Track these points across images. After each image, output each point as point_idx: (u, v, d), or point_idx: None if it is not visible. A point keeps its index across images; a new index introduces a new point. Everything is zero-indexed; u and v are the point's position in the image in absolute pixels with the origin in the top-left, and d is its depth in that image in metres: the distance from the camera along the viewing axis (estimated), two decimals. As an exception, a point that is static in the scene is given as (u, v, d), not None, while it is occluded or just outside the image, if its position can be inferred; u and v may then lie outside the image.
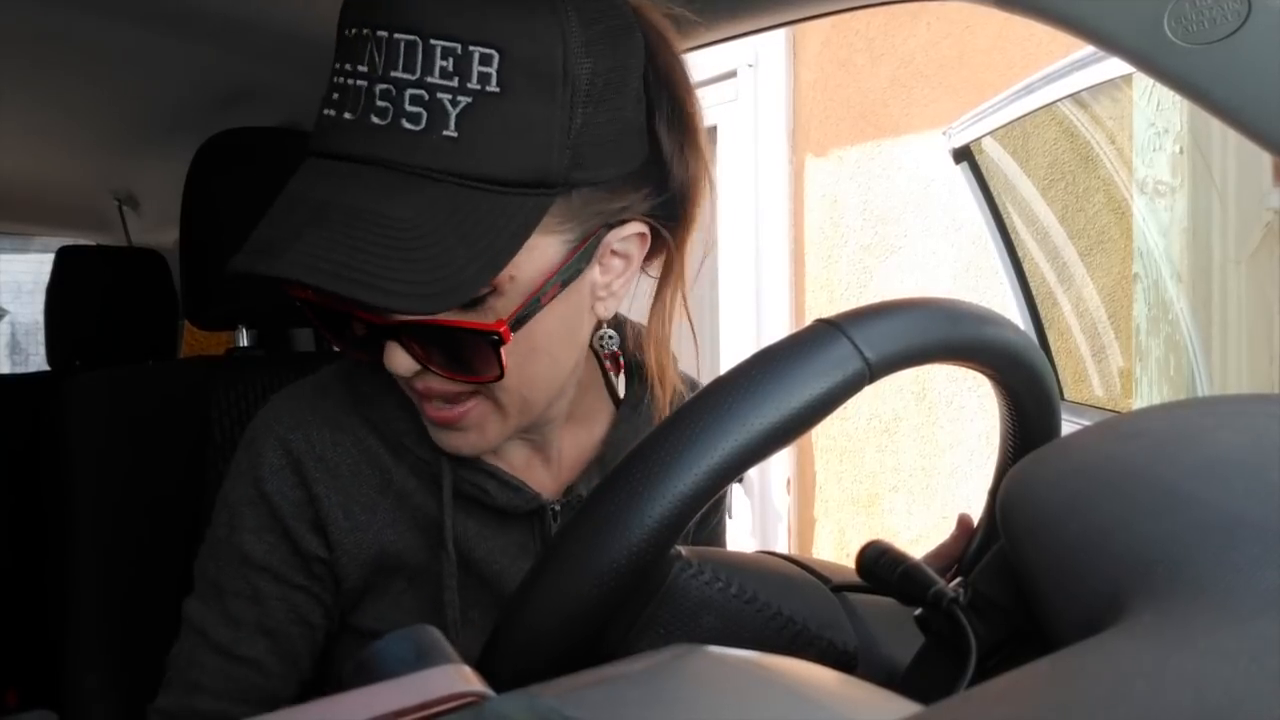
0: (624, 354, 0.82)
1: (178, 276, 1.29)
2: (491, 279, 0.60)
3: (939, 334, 0.49)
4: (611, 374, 0.82)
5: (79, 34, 1.13)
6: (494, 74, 0.57)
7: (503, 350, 0.62)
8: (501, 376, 0.64)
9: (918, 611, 0.47)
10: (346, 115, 0.58)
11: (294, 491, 0.73)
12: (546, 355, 0.67)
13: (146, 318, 1.91)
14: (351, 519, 0.73)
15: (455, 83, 0.57)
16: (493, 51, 0.57)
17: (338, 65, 0.60)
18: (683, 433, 0.43)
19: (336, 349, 0.65)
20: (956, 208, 2.48)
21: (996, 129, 1.93)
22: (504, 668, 0.43)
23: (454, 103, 0.57)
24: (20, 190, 2.06)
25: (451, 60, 0.56)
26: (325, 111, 0.60)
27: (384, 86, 0.57)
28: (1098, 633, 0.28)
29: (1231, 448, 0.35)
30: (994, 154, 2.07)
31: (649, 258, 0.73)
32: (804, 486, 3.02)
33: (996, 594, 0.43)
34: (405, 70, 0.57)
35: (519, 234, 0.60)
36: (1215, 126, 1.64)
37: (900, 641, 0.51)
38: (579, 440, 0.80)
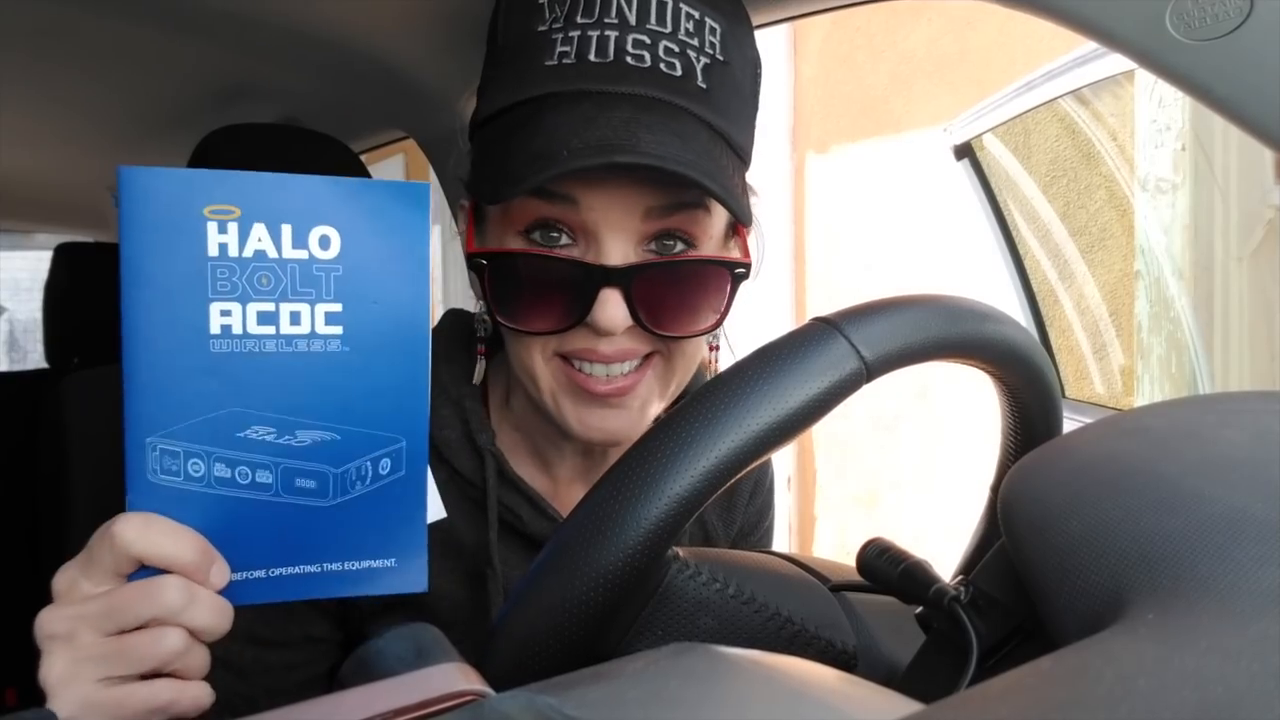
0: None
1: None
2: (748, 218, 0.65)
3: (938, 331, 0.48)
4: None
5: (77, 29, 1.13)
6: (718, 44, 0.64)
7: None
8: (724, 318, 0.65)
9: (918, 610, 0.47)
10: (592, 59, 0.61)
11: None
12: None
13: (146, 315, 1.90)
14: None
15: (697, 42, 0.62)
16: (718, 25, 0.64)
17: (562, 19, 0.62)
18: (678, 434, 0.42)
19: (501, 321, 0.64)
20: (957, 205, 2.48)
21: (997, 125, 1.93)
22: (503, 667, 0.43)
23: (698, 59, 0.62)
24: (18, 187, 2.05)
25: (692, 23, 0.63)
26: (548, 62, 0.62)
27: (638, 36, 0.61)
28: (1100, 630, 0.28)
29: (1233, 445, 0.35)
30: (995, 151, 2.07)
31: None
32: (804, 484, 3.02)
33: (998, 592, 0.43)
34: (659, 24, 0.62)
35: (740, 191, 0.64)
36: (1217, 123, 1.64)
37: (900, 641, 0.51)
38: None
